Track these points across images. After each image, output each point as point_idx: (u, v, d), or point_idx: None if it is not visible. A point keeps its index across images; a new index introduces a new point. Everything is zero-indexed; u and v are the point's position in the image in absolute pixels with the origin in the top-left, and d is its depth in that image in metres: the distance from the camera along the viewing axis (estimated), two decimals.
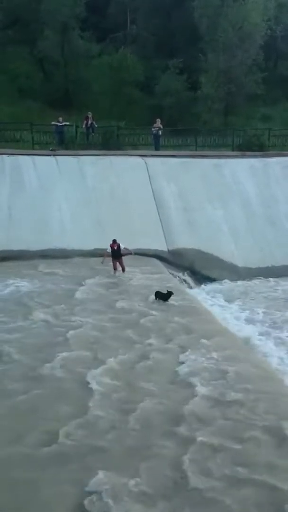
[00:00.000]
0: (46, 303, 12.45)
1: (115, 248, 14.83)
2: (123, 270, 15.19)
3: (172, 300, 12.66)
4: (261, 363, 9.79)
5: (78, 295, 13.30)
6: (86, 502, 5.34)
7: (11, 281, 14.40)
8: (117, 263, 15.11)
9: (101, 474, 5.72)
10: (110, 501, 5.30)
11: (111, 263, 15.25)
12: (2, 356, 9.29)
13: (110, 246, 14.84)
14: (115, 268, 15.17)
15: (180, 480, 5.70)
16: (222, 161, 21.63)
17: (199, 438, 6.47)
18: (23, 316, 11.55)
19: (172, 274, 17.02)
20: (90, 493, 5.46)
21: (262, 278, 18.18)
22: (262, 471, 5.84)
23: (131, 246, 15.48)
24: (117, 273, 15.19)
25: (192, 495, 5.47)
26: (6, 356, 9.28)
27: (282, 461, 6.07)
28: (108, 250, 14.97)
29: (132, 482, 5.61)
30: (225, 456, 6.12)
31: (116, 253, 14.98)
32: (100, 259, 15.54)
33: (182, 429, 6.73)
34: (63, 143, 21.98)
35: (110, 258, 15.26)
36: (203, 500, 5.39)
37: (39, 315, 11.56)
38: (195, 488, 5.55)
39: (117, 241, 14.79)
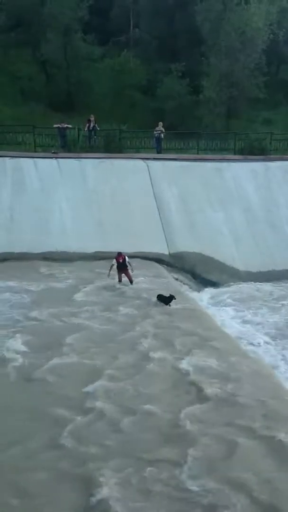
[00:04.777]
0: (45, 305, 12.44)
1: (121, 261, 14.31)
2: (131, 282, 14.55)
3: (173, 304, 12.64)
4: (258, 365, 9.82)
5: (78, 297, 13.29)
6: None
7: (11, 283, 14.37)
8: (122, 274, 14.59)
9: None
10: None
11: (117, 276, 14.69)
12: None
13: (116, 259, 14.30)
14: (120, 280, 14.65)
15: None
16: (224, 164, 21.60)
17: None
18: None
19: (173, 277, 16.98)
20: None
21: (262, 281, 18.12)
22: None
23: (133, 249, 15.36)
24: (121, 285, 14.60)
25: None
26: None
27: None
28: (113, 263, 14.35)
29: None
30: None
31: (122, 266, 14.44)
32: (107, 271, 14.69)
33: None
34: (66, 145, 21.99)
35: (115, 271, 14.67)
36: None
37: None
38: None
39: (123, 254, 14.33)
